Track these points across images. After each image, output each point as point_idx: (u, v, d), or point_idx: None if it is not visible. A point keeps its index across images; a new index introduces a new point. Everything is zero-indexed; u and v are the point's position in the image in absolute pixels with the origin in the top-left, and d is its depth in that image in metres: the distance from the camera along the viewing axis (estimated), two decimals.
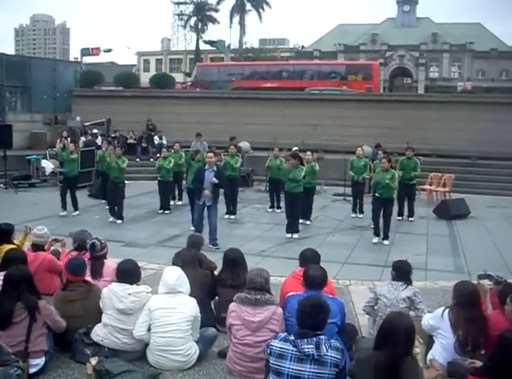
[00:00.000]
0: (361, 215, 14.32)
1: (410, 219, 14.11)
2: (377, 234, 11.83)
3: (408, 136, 19.65)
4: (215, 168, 11.17)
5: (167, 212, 14.09)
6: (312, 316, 4.10)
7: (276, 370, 4.08)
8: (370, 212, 12.20)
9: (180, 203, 15.55)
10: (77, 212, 13.95)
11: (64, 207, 13.92)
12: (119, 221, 13.32)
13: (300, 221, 12.66)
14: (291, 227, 12.08)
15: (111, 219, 13.43)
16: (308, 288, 5.03)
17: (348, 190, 15.68)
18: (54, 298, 5.50)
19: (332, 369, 3.99)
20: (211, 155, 11.34)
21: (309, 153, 13.51)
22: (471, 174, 19.72)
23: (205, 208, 11.15)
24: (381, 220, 11.87)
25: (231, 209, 14.22)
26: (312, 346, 3.99)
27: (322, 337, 4.04)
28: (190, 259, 6.26)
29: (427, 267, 9.54)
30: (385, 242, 11.68)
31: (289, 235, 12.01)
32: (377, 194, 11.82)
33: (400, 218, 14.02)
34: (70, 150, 14.28)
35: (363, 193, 14.74)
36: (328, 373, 3.99)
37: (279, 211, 14.51)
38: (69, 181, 14.15)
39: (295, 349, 4.03)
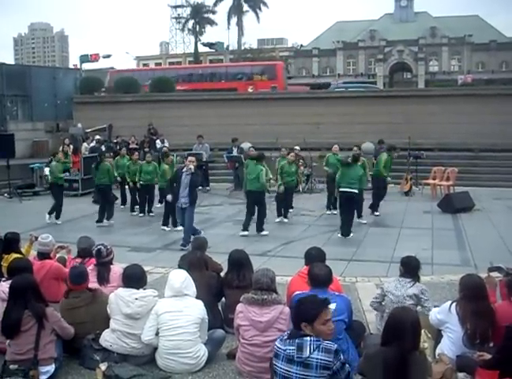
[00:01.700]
0: (336, 212, 13.71)
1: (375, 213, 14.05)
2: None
3: (410, 130, 19.60)
4: (192, 171, 11.12)
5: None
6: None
7: (274, 370, 4.10)
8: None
9: None
10: (59, 221, 13.61)
11: (50, 213, 13.77)
12: (111, 222, 13.45)
13: (277, 220, 13.38)
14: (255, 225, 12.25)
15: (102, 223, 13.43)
16: (314, 287, 5.05)
17: None
18: (59, 307, 5.51)
19: (320, 372, 3.86)
20: (193, 159, 11.40)
21: (292, 154, 13.88)
22: (474, 166, 19.69)
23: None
24: None
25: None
26: (293, 347, 3.93)
27: (308, 339, 3.93)
28: (196, 261, 6.28)
29: (433, 261, 9.51)
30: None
31: (245, 233, 11.99)
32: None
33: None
34: (58, 158, 14.49)
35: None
36: (315, 376, 3.87)
37: (291, 210, 14.39)
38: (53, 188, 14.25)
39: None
